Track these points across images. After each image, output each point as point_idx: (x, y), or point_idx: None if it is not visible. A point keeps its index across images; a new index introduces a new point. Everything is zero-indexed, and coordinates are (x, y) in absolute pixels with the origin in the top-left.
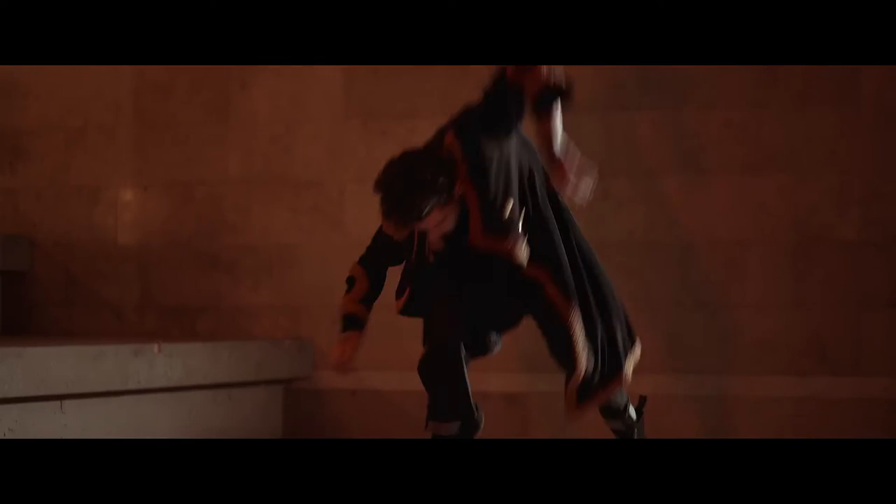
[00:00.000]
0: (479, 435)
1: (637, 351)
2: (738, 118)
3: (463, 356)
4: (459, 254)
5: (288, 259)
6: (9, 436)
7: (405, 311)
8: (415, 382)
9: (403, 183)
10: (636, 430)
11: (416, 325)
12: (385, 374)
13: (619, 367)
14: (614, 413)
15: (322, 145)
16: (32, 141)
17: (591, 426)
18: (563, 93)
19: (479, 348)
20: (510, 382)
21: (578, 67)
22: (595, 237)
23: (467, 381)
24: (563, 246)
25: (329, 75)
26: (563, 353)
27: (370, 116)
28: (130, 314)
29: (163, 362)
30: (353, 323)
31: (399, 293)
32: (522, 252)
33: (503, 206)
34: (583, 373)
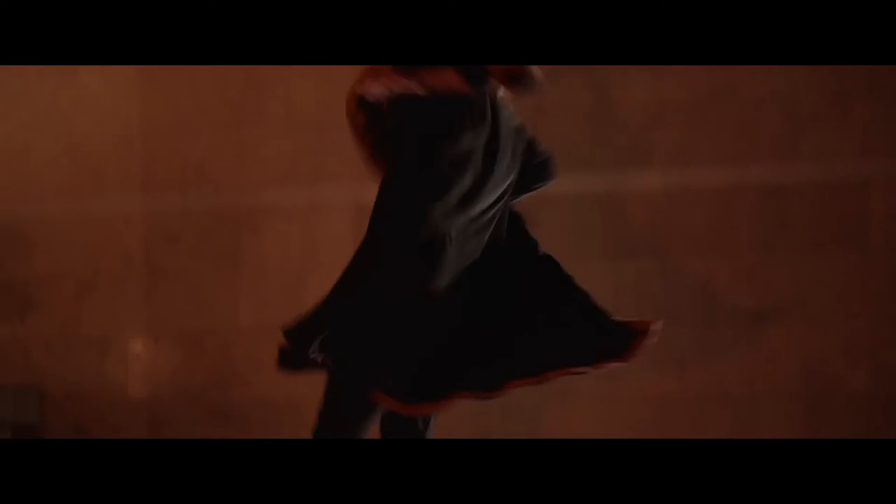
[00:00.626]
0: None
1: None
2: (748, 264)
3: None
4: None
5: (297, 414)
6: None
7: None
8: None
9: None
10: None
11: None
12: None
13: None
14: None
15: None
16: (42, 291)
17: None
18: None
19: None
20: None
21: (589, 211)
22: (605, 389)
23: None
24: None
25: (339, 221)
26: None
27: None
28: None
29: None
30: None
31: None
32: None
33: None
34: None
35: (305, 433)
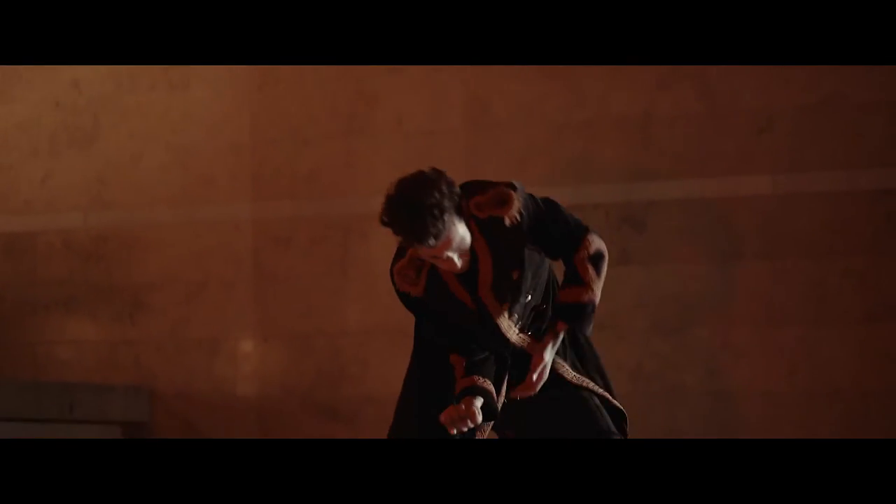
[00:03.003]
0: None
1: None
2: (858, 266)
3: None
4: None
5: None
6: None
7: None
8: None
9: (411, 204)
10: None
11: None
12: None
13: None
14: None
15: None
16: (153, 294)
17: None
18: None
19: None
20: None
21: (699, 212)
22: (714, 387)
23: None
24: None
25: None
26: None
27: None
28: None
29: None
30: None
31: None
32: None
33: (512, 273)
34: None
35: None
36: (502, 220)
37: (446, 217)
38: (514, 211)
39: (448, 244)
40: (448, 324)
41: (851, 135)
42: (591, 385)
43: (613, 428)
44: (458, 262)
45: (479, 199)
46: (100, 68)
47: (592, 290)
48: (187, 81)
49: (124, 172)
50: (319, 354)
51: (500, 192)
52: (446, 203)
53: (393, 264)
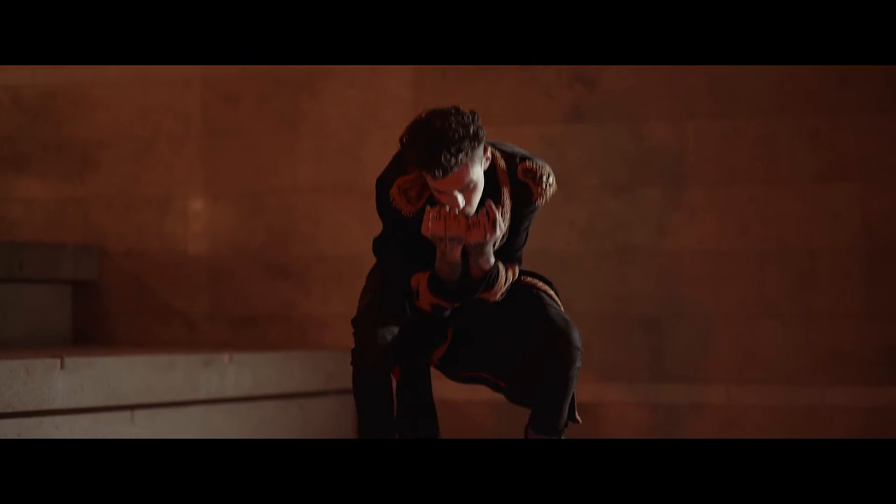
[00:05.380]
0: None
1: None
2: (809, 125)
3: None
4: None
5: (358, 268)
6: None
7: None
8: (482, 392)
9: (433, 132)
10: None
11: None
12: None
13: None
14: None
15: (393, 153)
16: (102, 151)
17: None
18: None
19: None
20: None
21: (650, 73)
22: (666, 247)
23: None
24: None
25: (398, 81)
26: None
27: None
28: (201, 324)
29: (233, 372)
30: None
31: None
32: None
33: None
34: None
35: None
36: (531, 195)
37: (461, 157)
38: (545, 199)
39: (454, 182)
40: (415, 247)
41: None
42: (535, 281)
43: (564, 314)
44: (460, 201)
45: (528, 166)
46: None
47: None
48: None
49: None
50: (269, 212)
51: (546, 174)
52: (466, 144)
53: (386, 175)
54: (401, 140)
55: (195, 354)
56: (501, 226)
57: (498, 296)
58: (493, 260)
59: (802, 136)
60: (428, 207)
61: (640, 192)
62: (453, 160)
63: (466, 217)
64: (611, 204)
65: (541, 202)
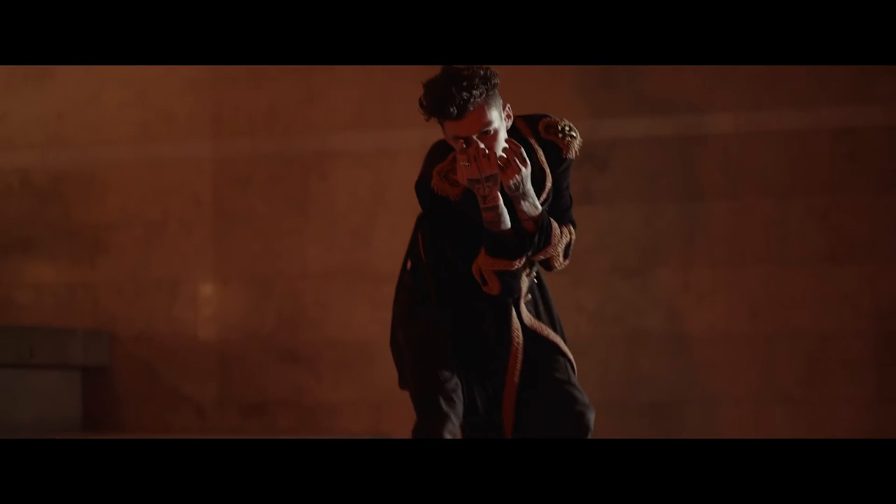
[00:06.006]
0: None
1: None
2: (819, 205)
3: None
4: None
5: (369, 354)
6: None
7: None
8: None
9: (448, 75)
10: None
11: None
12: None
13: None
14: None
15: (402, 237)
16: (112, 235)
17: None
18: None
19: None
20: None
21: (659, 152)
22: (676, 330)
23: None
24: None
25: (407, 164)
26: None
27: None
28: (211, 410)
29: None
30: None
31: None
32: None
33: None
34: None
35: (375, 373)
36: (560, 150)
37: (475, 93)
38: (573, 150)
39: (472, 123)
40: (468, 237)
41: (813, 72)
42: (546, 331)
43: (574, 381)
44: (482, 146)
45: (548, 122)
46: None
47: (552, 243)
48: None
49: (82, 109)
50: (279, 297)
51: (568, 128)
52: (478, 82)
53: (423, 175)
54: (420, 103)
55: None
56: (526, 159)
57: (559, 251)
58: (539, 204)
59: (813, 215)
60: (459, 155)
61: (650, 275)
62: (466, 94)
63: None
64: (621, 287)
65: (570, 154)
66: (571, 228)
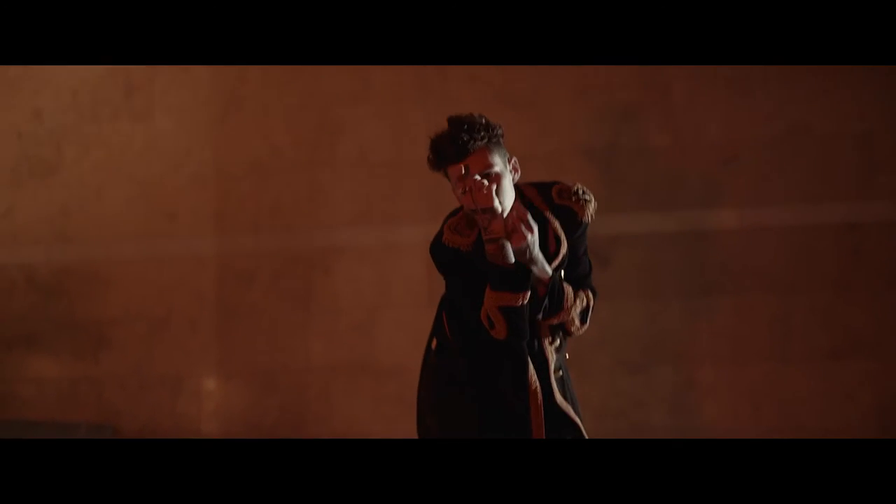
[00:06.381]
0: None
1: None
2: (823, 301)
3: None
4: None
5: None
6: None
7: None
8: None
9: (451, 121)
10: None
11: None
12: None
13: None
14: None
15: (405, 332)
16: (115, 330)
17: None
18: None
19: None
20: None
21: (662, 249)
22: (679, 426)
23: None
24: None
25: (411, 260)
26: None
27: None
28: None
29: None
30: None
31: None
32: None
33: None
34: None
35: None
36: (575, 214)
37: (476, 136)
38: (588, 213)
39: (472, 165)
40: (482, 290)
41: (817, 167)
42: (570, 412)
43: None
44: (485, 185)
45: (561, 187)
46: (61, 97)
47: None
48: (150, 111)
49: (87, 206)
50: (283, 391)
51: (582, 192)
52: (480, 128)
53: (436, 236)
54: (427, 158)
55: None
56: (533, 224)
57: (572, 316)
58: (549, 269)
59: (816, 312)
60: (456, 183)
61: (653, 372)
62: (466, 136)
63: (500, 212)
64: (624, 383)
65: (586, 218)
66: (590, 294)
